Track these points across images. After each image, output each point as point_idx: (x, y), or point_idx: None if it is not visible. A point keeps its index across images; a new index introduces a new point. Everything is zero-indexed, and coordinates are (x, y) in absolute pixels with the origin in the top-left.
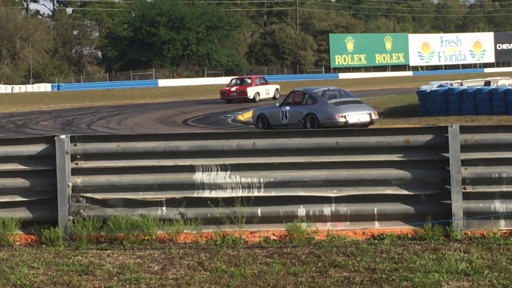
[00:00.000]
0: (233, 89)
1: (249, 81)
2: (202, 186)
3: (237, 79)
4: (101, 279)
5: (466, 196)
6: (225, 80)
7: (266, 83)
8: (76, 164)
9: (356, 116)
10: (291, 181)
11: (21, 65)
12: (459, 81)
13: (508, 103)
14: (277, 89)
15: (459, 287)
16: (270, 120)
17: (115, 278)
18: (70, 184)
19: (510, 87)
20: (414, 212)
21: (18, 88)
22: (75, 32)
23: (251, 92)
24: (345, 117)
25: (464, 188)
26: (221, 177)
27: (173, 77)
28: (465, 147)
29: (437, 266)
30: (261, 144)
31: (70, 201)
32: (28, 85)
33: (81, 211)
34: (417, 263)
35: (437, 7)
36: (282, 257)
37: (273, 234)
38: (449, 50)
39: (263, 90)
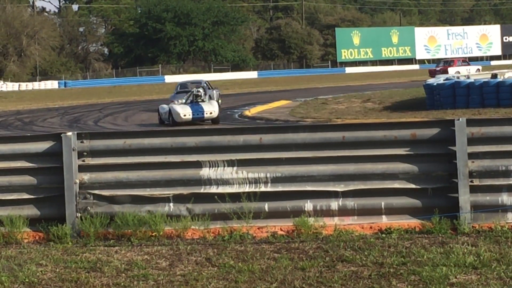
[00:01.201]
0: (438, 69)
1: (451, 62)
2: (209, 181)
3: (444, 61)
4: (109, 275)
5: (473, 189)
6: (231, 75)
7: (468, 64)
8: (83, 161)
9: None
10: (298, 176)
11: (28, 62)
12: (466, 74)
13: None
14: (478, 69)
15: (467, 280)
16: None
17: (123, 274)
18: (77, 181)
19: None
20: (422, 205)
21: (25, 86)
22: (81, 29)
23: (451, 71)
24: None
25: (471, 181)
26: (228, 172)
27: (180, 73)
28: (472, 140)
29: (445, 260)
30: (267, 139)
31: (78, 198)
32: (35, 83)
33: (89, 208)
34: (425, 256)
35: (443, 0)
36: (290, 252)
37: (281, 229)
38: (456, 43)
39: (464, 70)
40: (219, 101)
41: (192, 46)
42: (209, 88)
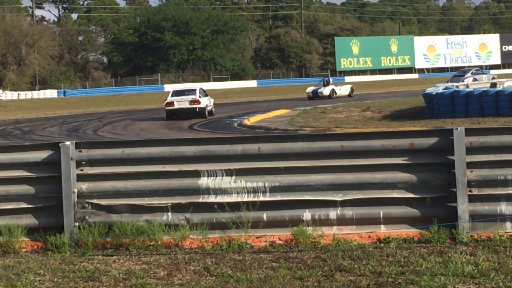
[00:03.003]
0: None
1: None
2: (207, 191)
3: None
4: (107, 285)
5: (472, 199)
6: (230, 84)
7: None
8: (82, 170)
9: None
10: (296, 185)
11: (27, 71)
12: (465, 83)
13: None
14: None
15: None
16: None
17: (121, 284)
18: (76, 190)
19: None
20: (420, 215)
21: (24, 95)
22: (80, 38)
23: None
24: None
25: (470, 191)
26: (227, 182)
27: (179, 82)
28: (470, 150)
29: (443, 269)
30: (266, 148)
31: (76, 207)
32: (34, 92)
33: (87, 217)
34: (423, 266)
35: (442, 9)
36: (288, 261)
37: (279, 239)
38: (455, 52)
39: None
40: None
41: (191, 55)
42: (482, 73)
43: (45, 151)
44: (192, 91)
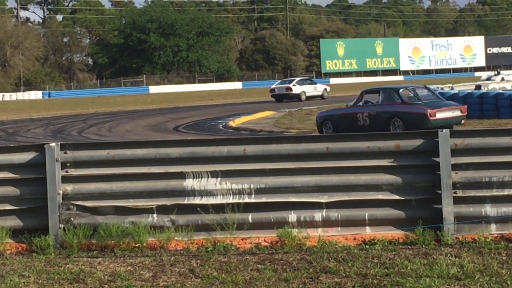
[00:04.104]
0: None
1: None
2: (192, 193)
3: None
4: (92, 287)
5: (457, 201)
6: (216, 86)
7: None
8: (67, 172)
9: None
10: (282, 187)
11: (12, 72)
12: (450, 85)
13: (499, 106)
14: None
15: None
16: None
17: (106, 286)
18: (61, 192)
19: (500, 91)
20: (405, 217)
21: (8, 96)
22: (65, 39)
23: None
24: None
25: (455, 193)
26: (212, 183)
27: (164, 84)
28: (455, 152)
29: (428, 271)
30: (251, 150)
31: (61, 209)
32: (18, 93)
33: (72, 219)
34: (408, 268)
35: (427, 11)
36: (273, 263)
37: (264, 240)
38: (440, 54)
39: None
40: None
41: (177, 56)
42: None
43: (30, 153)
44: (290, 81)
